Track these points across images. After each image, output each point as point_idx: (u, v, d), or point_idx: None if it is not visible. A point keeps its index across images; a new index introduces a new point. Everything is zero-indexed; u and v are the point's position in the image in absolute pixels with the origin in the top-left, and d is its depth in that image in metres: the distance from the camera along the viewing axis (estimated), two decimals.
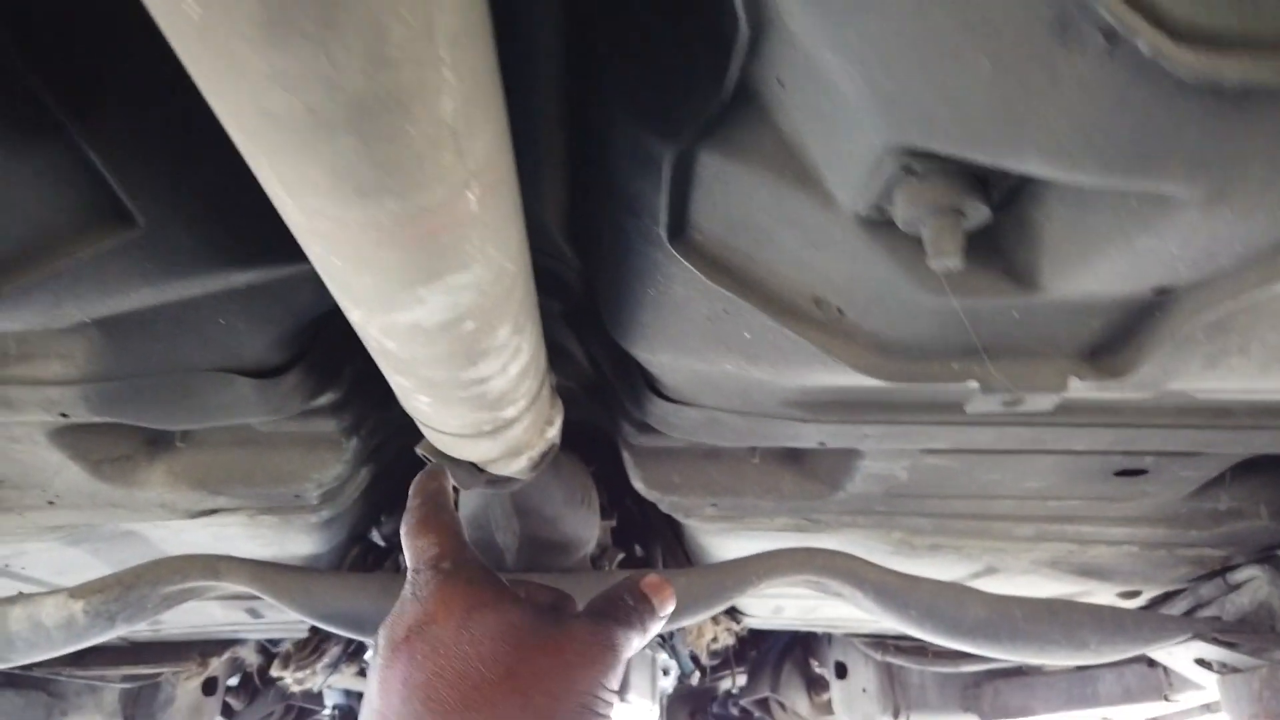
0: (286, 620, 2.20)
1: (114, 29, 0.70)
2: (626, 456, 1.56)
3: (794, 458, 1.54)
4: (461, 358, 0.83)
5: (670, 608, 0.91)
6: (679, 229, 0.80)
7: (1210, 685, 1.90)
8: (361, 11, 0.42)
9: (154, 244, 0.83)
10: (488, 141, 0.61)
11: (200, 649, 2.48)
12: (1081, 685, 2.41)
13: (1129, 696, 2.30)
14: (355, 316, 0.79)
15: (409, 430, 1.65)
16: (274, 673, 2.30)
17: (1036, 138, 0.49)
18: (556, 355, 1.30)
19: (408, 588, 0.86)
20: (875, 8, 0.48)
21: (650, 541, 2.21)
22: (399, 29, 0.44)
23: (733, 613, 2.38)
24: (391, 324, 0.76)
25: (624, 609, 0.87)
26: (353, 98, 0.47)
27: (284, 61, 0.44)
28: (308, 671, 2.24)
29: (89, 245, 0.78)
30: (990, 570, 1.90)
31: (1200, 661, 1.83)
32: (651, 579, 0.91)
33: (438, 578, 0.85)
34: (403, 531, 0.93)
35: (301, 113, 0.48)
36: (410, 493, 1.00)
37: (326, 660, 2.28)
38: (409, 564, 0.90)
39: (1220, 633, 1.73)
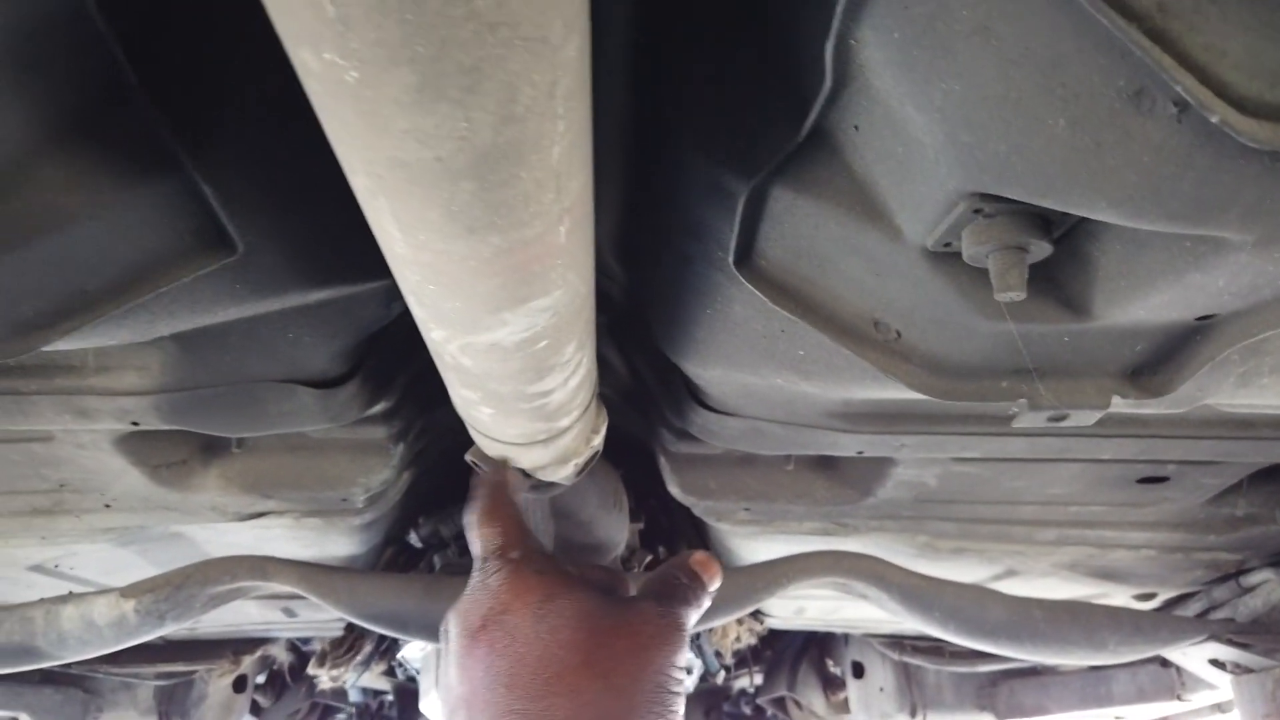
0: (320, 619, 2.25)
1: (232, 67, 0.75)
2: (663, 462, 1.61)
3: (827, 464, 1.59)
4: (531, 373, 0.88)
5: (718, 584, 0.94)
6: (745, 255, 0.85)
7: (1223, 685, 1.95)
8: (501, 77, 0.46)
9: (248, 267, 0.88)
10: (581, 180, 0.66)
11: (233, 647, 2.54)
12: (1095, 685, 2.46)
13: (1142, 696, 2.35)
14: (436, 335, 0.83)
15: (449, 435, 1.70)
16: (310, 670, 2.35)
17: (1106, 190, 0.54)
18: (598, 365, 1.35)
19: (477, 576, 0.88)
20: (961, 71, 0.53)
21: (675, 543, 2.26)
22: (528, 90, 0.49)
23: (755, 613, 2.43)
24: (471, 344, 0.80)
25: (681, 588, 0.90)
26: (479, 149, 0.51)
27: (426, 120, 0.48)
28: (343, 669, 2.30)
29: (191, 270, 0.83)
30: (1010, 573, 1.95)
31: (1214, 662, 1.89)
32: (699, 557, 0.94)
33: (508, 567, 0.87)
34: (467, 521, 0.95)
35: (431, 162, 0.52)
36: (473, 484, 1.02)
37: (360, 658, 2.34)
38: (476, 552, 0.92)
39: (1235, 634, 1.78)
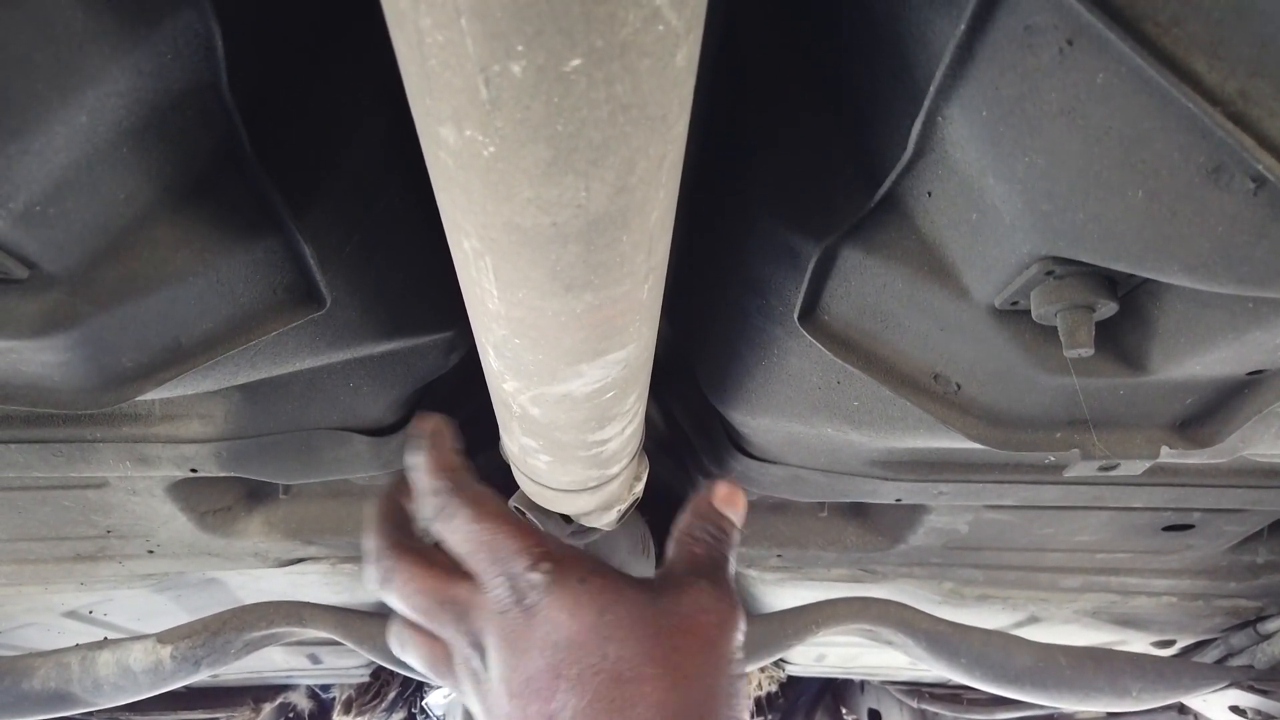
0: (344, 666, 2.26)
1: (335, 135, 0.79)
2: None
3: (858, 511, 1.62)
4: (594, 422, 0.91)
5: (744, 509, 0.77)
6: (809, 311, 0.89)
7: None
8: (624, 152, 0.50)
9: (331, 321, 0.92)
10: (667, 241, 0.69)
11: (254, 694, 2.53)
12: None
13: None
14: (509, 386, 0.86)
15: (485, 482, 1.72)
16: (336, 718, 2.35)
17: (1179, 255, 0.58)
18: None
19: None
20: (1045, 147, 0.58)
21: None
22: (643, 163, 0.53)
23: (777, 660, 2.44)
24: (543, 394, 0.83)
25: (706, 548, 0.72)
26: (592, 216, 0.55)
27: (550, 190, 0.52)
28: (368, 715, 2.30)
29: (281, 324, 0.86)
30: (1033, 619, 1.97)
31: (1235, 709, 1.90)
32: (722, 490, 0.76)
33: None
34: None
35: (546, 227, 0.55)
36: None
37: (384, 705, 2.34)
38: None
39: (1256, 681, 1.80)
